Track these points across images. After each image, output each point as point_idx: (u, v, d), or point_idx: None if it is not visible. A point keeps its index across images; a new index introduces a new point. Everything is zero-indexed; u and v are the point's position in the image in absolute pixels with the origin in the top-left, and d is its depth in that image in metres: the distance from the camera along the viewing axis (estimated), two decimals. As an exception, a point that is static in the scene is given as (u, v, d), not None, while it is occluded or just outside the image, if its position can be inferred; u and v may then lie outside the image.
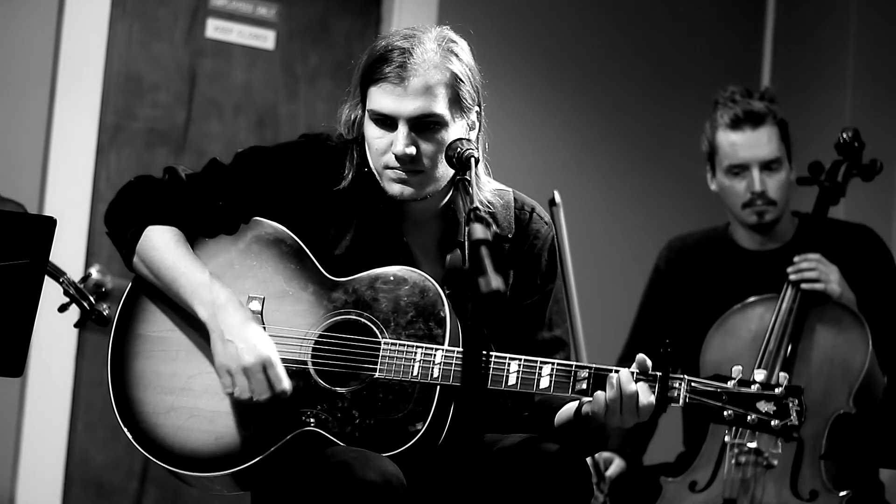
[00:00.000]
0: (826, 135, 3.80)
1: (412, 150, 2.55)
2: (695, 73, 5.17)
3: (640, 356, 2.51)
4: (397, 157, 2.56)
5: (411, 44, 2.57)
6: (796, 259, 3.51)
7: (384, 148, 2.58)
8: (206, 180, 2.68)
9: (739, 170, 3.67)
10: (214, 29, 4.52)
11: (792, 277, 3.50)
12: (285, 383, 2.52)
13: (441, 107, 2.56)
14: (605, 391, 2.49)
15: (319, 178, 2.66)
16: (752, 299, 3.57)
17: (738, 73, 5.06)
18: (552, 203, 3.50)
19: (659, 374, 2.49)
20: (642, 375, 2.49)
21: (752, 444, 3.36)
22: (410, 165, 2.57)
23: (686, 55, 5.20)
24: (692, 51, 5.21)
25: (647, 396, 2.47)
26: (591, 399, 2.52)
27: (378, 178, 2.62)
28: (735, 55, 5.25)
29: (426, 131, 2.56)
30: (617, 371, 2.49)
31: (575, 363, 2.52)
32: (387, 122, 2.57)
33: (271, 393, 2.52)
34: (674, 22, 5.20)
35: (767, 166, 3.66)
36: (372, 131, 2.60)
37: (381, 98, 2.56)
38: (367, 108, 2.59)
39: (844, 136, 3.59)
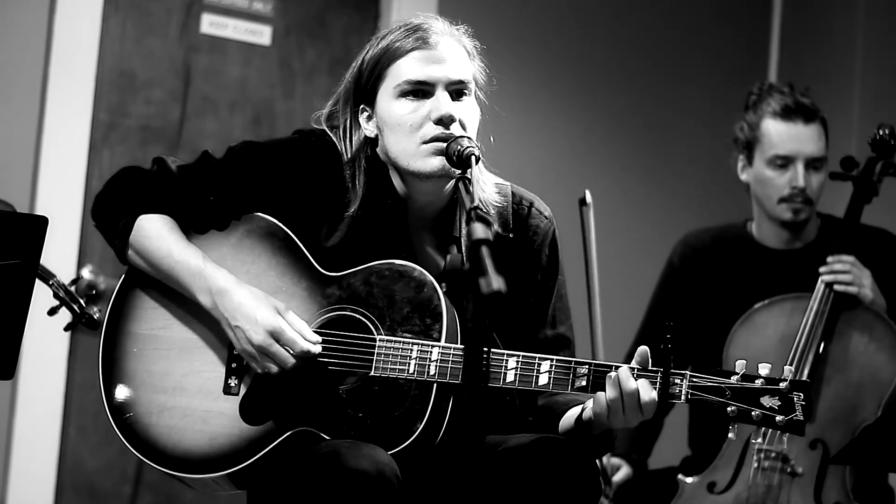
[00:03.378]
0: (833, 133, 3.76)
1: (456, 109, 2.53)
2: (701, 71, 5.17)
3: (641, 349, 2.46)
4: (441, 121, 2.53)
5: (420, 23, 2.59)
6: (830, 260, 3.46)
7: (420, 121, 2.55)
8: (197, 174, 2.65)
9: (784, 162, 3.61)
10: (209, 24, 4.50)
11: (826, 278, 3.44)
12: (302, 343, 2.50)
13: (470, 74, 2.58)
14: (605, 392, 2.44)
15: (313, 174, 2.63)
16: (778, 297, 3.51)
17: (745, 71, 5.08)
18: (583, 202, 3.50)
19: (660, 370, 2.44)
20: (643, 371, 2.44)
21: (782, 448, 3.33)
22: (456, 128, 2.53)
23: (692, 53, 5.19)
24: (698, 49, 5.21)
25: (648, 392, 2.42)
26: (591, 406, 2.48)
27: (405, 162, 2.57)
28: (742, 53, 5.24)
29: (460, 98, 2.57)
30: (617, 368, 2.44)
31: (574, 360, 2.48)
32: (419, 92, 2.54)
33: (294, 359, 2.50)
34: (680, 20, 5.19)
35: (812, 164, 3.61)
36: (401, 108, 2.56)
37: (415, 66, 2.54)
38: (395, 83, 2.55)
39: (881, 132, 3.54)
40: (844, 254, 3.46)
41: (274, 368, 2.50)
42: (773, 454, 3.34)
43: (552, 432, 2.59)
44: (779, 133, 3.60)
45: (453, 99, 2.55)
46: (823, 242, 3.60)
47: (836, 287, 3.42)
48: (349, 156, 2.62)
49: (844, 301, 3.43)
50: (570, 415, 2.57)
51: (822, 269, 3.44)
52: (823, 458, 3.34)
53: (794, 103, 3.60)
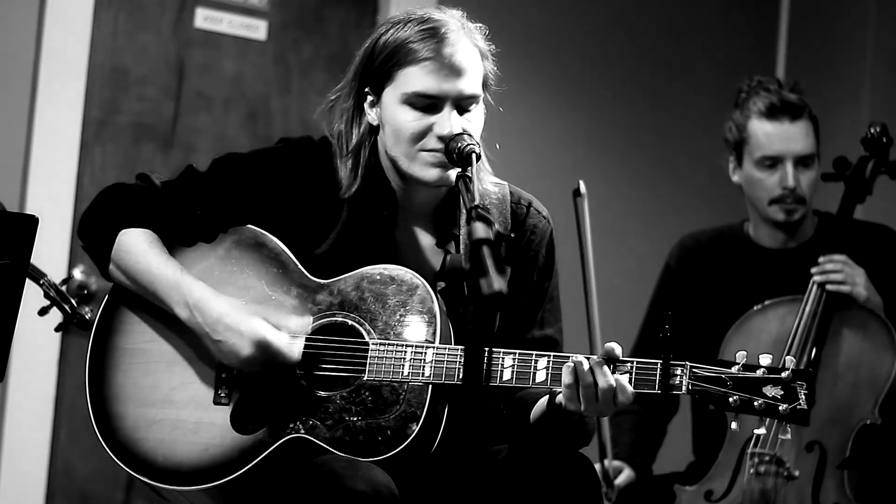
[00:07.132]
0: (843, 131, 3.73)
1: (460, 126, 2.51)
2: (708, 66, 5.16)
3: (608, 346, 2.42)
4: (444, 139, 2.50)
5: (438, 24, 2.54)
6: (821, 260, 3.44)
7: (421, 131, 2.52)
8: (182, 189, 2.65)
9: (772, 162, 3.58)
10: (204, 19, 4.49)
11: (817, 279, 3.42)
12: (289, 354, 2.50)
13: (479, 86, 2.57)
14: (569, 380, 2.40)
15: (299, 182, 2.63)
16: (772, 301, 3.49)
17: (752, 66, 5.05)
18: (577, 193, 3.49)
19: (660, 361, 2.41)
20: (607, 361, 2.40)
21: (776, 451, 3.27)
22: None
23: (700, 48, 5.19)
24: (706, 44, 5.21)
25: (606, 381, 2.37)
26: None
27: (404, 164, 2.56)
28: (749, 48, 5.24)
29: (467, 110, 2.54)
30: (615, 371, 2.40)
31: (572, 355, 2.43)
32: (426, 105, 2.52)
33: (283, 368, 2.51)
34: (686, 14, 5.19)
35: (802, 162, 3.57)
36: (405, 115, 2.53)
37: (427, 80, 2.51)
38: (404, 91, 2.53)
39: (872, 130, 3.52)
40: (836, 253, 3.43)
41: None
42: (767, 458, 3.32)
43: (524, 422, 2.58)
44: (765, 133, 3.56)
45: (460, 113, 2.53)
46: (821, 240, 3.58)
47: (829, 287, 3.39)
48: (353, 143, 2.60)
49: (838, 301, 3.40)
50: (543, 400, 2.54)
51: (813, 270, 3.43)
52: (820, 461, 3.31)
53: (779, 101, 3.56)
